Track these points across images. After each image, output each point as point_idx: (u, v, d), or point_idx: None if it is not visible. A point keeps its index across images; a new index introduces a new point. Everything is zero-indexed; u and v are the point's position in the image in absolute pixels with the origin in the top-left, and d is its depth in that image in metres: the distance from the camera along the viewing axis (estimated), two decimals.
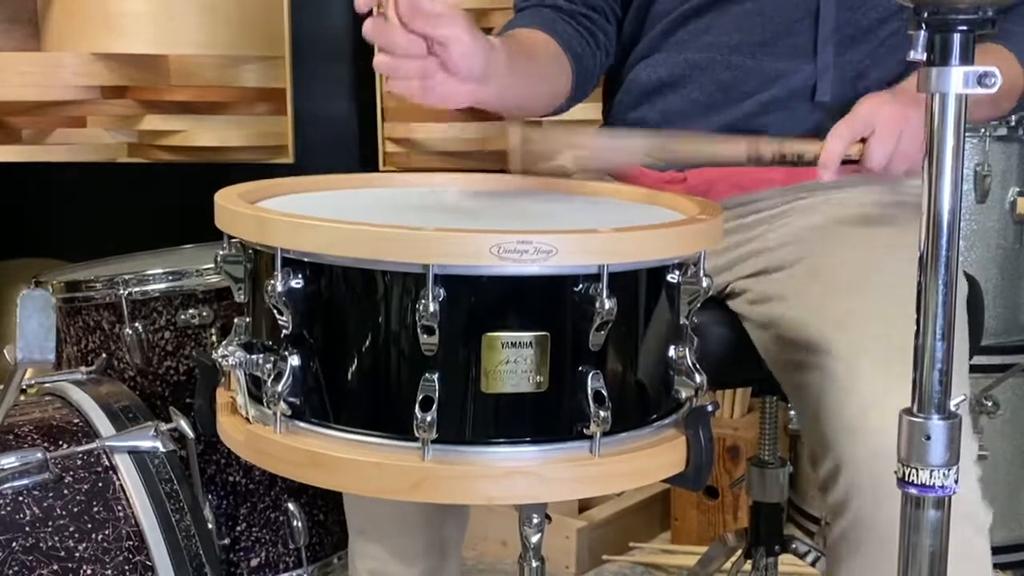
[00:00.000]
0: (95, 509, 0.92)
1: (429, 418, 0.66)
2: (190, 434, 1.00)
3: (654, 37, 1.08)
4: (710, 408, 0.74)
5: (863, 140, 0.92)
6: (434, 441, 0.67)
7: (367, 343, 0.69)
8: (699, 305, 0.74)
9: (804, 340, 0.91)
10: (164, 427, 0.98)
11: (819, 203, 1.03)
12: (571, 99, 1.07)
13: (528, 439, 0.69)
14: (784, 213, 1.04)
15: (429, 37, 0.77)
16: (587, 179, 1.10)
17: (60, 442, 0.96)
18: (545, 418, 0.69)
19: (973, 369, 0.95)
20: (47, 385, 1.10)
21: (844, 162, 0.92)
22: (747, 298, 1.00)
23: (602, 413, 0.68)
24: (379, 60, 0.78)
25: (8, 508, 0.90)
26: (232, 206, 0.73)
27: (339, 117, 1.80)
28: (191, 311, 1.21)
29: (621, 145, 0.97)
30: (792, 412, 1.17)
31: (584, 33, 1.07)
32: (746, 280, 1.01)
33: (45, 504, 0.91)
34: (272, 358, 0.71)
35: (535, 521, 0.80)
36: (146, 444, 0.97)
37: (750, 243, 1.03)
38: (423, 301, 0.65)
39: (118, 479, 0.95)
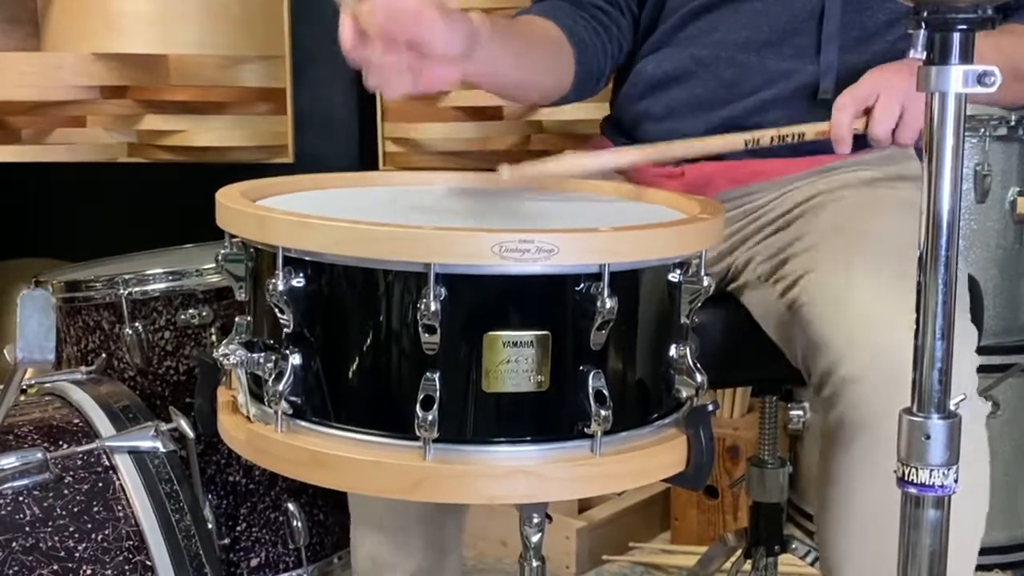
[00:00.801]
0: (95, 509, 0.92)
1: (430, 417, 0.66)
2: (190, 434, 1.00)
3: (664, 32, 1.08)
4: (710, 407, 0.74)
5: (867, 112, 0.93)
6: (435, 440, 0.67)
7: (368, 342, 0.69)
8: (700, 304, 0.74)
9: (806, 262, 0.93)
10: (164, 427, 0.98)
11: (819, 180, 1.04)
12: (576, 90, 1.07)
13: (529, 438, 0.69)
14: (785, 193, 1.05)
15: (406, 39, 0.77)
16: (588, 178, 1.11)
17: (60, 442, 0.96)
18: (546, 417, 0.69)
19: None
20: (47, 385, 1.10)
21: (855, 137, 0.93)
22: (755, 263, 1.01)
23: (603, 412, 0.68)
24: (370, 82, 0.79)
25: (8, 508, 0.90)
26: (234, 205, 0.73)
27: (339, 117, 1.80)
28: (191, 311, 1.21)
29: (614, 160, 0.97)
30: (792, 412, 1.17)
31: (596, 26, 1.07)
32: (755, 248, 1.03)
33: (45, 504, 0.91)
34: (273, 357, 0.71)
35: (536, 521, 0.80)
36: (146, 444, 0.97)
37: (755, 222, 1.04)
38: (424, 300, 0.65)
39: (118, 479, 0.95)
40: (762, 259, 1.01)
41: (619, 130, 1.14)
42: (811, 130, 0.94)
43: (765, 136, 0.93)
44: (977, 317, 1.05)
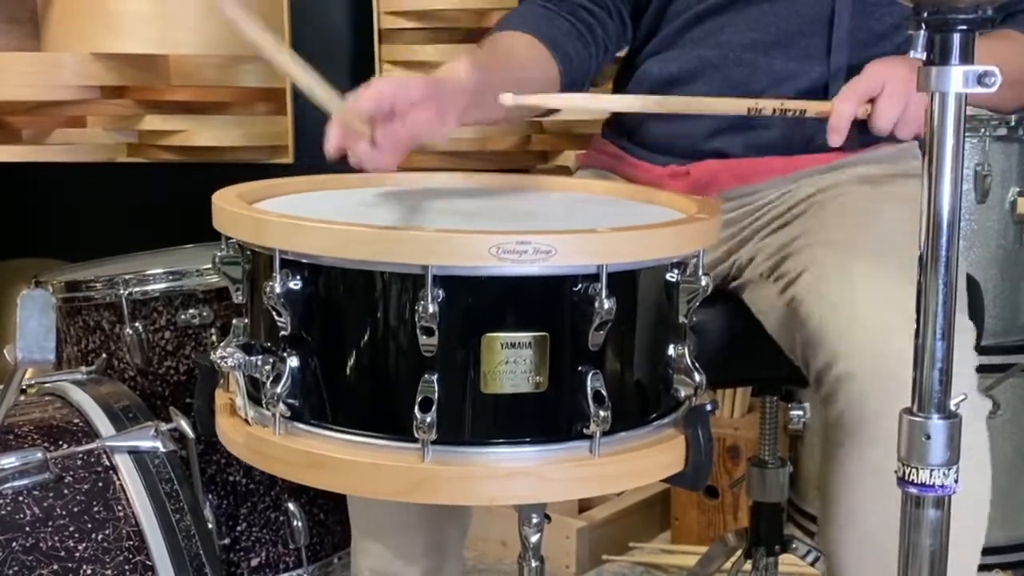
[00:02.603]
0: (95, 509, 0.92)
1: (429, 419, 0.66)
2: (190, 434, 1.00)
3: (669, 34, 1.08)
4: (709, 407, 0.74)
5: (871, 101, 0.92)
6: (434, 442, 0.67)
7: (366, 344, 0.69)
8: (698, 303, 0.74)
9: (806, 259, 0.93)
10: (164, 427, 0.98)
11: (824, 177, 1.04)
12: None
13: (528, 439, 0.69)
14: (791, 191, 1.04)
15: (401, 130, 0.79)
16: (589, 177, 1.10)
17: (60, 442, 0.96)
18: (544, 418, 0.69)
19: None
20: (47, 385, 1.09)
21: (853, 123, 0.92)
22: (757, 260, 1.01)
23: (602, 413, 0.68)
24: (353, 162, 0.81)
25: (8, 508, 0.90)
26: (230, 207, 0.73)
27: None
28: (191, 311, 1.21)
29: (617, 103, 0.97)
30: (792, 412, 1.17)
31: (581, 28, 1.07)
32: (757, 245, 1.02)
33: (45, 504, 0.91)
34: (271, 359, 0.71)
35: (534, 521, 0.80)
36: (146, 444, 0.97)
37: (759, 219, 1.04)
38: (422, 302, 0.65)
39: (118, 479, 0.94)
40: (764, 257, 1.01)
41: (621, 131, 1.14)
42: (812, 107, 0.93)
43: (768, 106, 0.93)
44: (977, 317, 1.05)
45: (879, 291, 0.85)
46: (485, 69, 0.91)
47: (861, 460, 0.84)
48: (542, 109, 0.90)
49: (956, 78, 0.60)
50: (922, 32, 0.61)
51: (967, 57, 0.60)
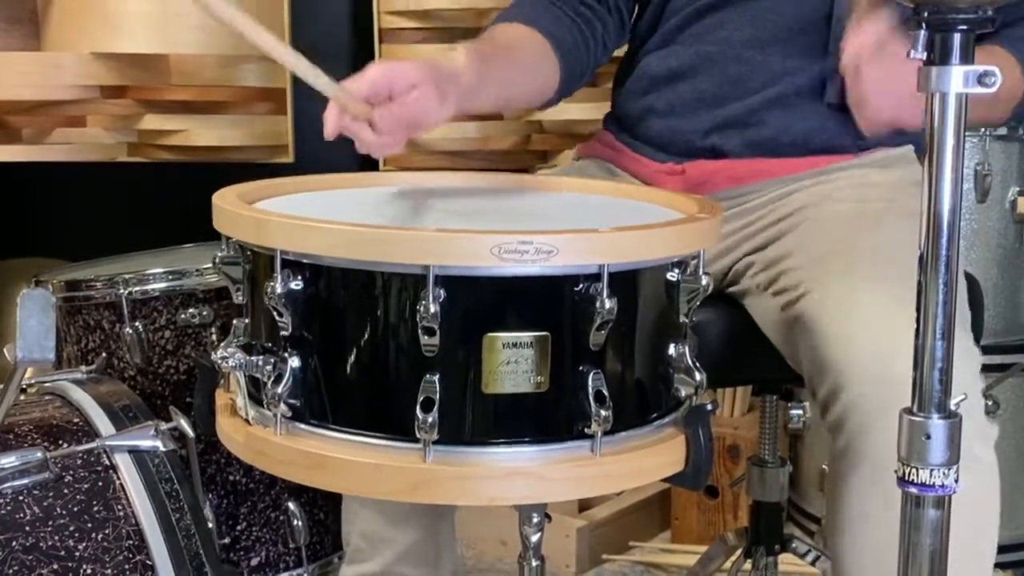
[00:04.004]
0: (95, 508, 0.92)
1: (430, 419, 0.66)
2: (190, 433, 1.00)
3: (668, 30, 1.09)
4: (709, 407, 0.74)
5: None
6: (435, 442, 0.67)
7: (367, 344, 0.69)
8: (698, 303, 0.74)
9: (805, 279, 0.92)
10: (164, 426, 0.98)
11: (818, 183, 1.03)
12: (560, 93, 1.07)
13: (528, 439, 0.69)
14: (784, 194, 1.04)
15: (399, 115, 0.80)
16: (587, 167, 1.10)
17: (60, 441, 0.96)
18: (545, 418, 0.69)
19: None
20: (47, 384, 1.09)
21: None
22: (753, 271, 1.01)
23: (603, 412, 0.68)
24: (361, 149, 0.82)
25: (8, 508, 0.90)
26: (230, 207, 0.73)
27: None
28: (191, 310, 1.21)
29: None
30: (792, 412, 1.17)
31: (580, 24, 1.07)
32: (752, 256, 1.02)
33: (45, 504, 0.91)
34: (272, 360, 0.71)
35: (535, 520, 0.80)
36: (146, 443, 0.97)
37: (753, 224, 1.04)
38: (423, 302, 0.65)
39: (118, 478, 0.94)
40: (759, 268, 1.00)
41: (622, 125, 1.14)
42: None
43: None
44: (977, 317, 1.05)
45: (883, 319, 0.84)
46: (483, 58, 0.91)
47: (872, 490, 0.83)
48: None
49: (956, 78, 0.60)
50: (922, 32, 0.61)
51: (967, 57, 0.60)
